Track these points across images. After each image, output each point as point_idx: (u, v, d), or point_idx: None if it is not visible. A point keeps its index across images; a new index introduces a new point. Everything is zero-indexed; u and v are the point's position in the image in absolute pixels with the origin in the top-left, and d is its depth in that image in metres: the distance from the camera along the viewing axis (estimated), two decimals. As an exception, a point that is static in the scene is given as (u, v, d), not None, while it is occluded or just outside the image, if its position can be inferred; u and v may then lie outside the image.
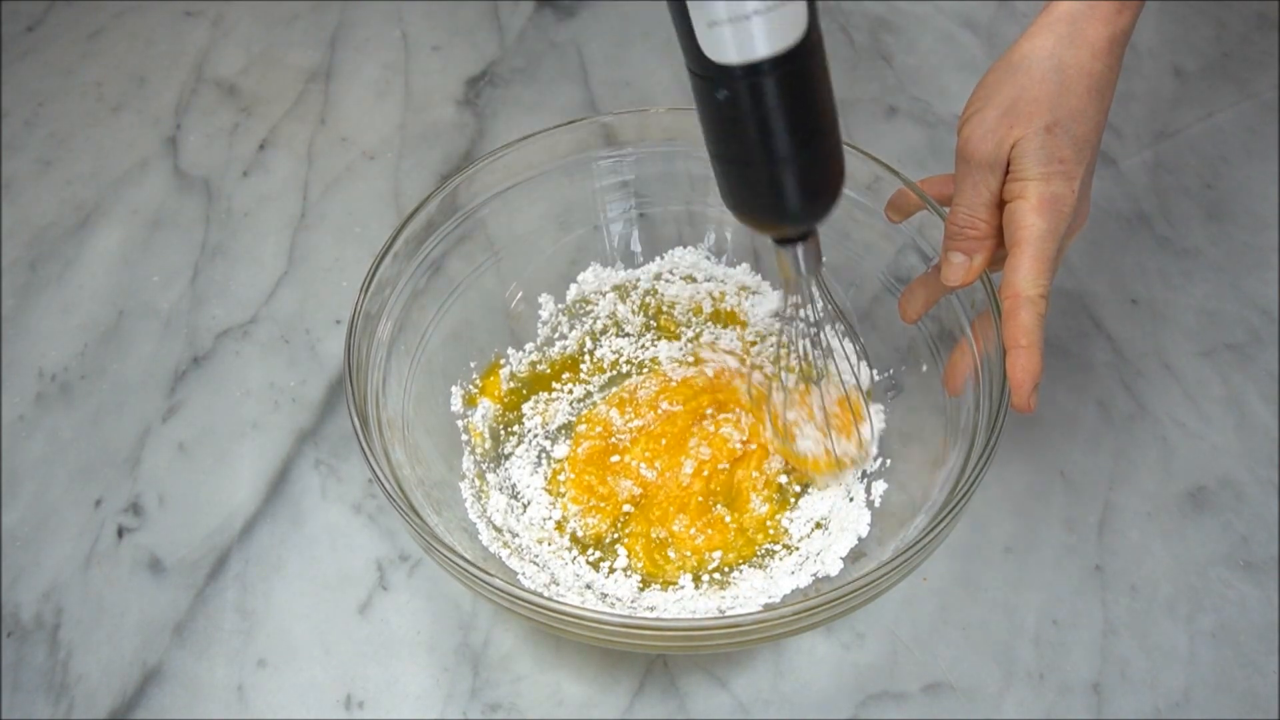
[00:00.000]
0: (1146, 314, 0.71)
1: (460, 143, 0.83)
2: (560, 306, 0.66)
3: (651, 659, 0.56)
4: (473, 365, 0.63)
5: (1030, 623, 0.57)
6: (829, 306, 0.52)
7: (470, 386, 0.63)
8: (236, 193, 0.80)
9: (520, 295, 0.65)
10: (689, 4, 0.37)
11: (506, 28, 0.92)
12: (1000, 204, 0.50)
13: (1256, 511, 0.61)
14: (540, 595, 0.46)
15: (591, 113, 0.84)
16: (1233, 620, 0.57)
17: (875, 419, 0.59)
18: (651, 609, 0.54)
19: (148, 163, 0.82)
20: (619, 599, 0.55)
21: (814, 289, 0.50)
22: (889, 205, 0.58)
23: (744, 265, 0.67)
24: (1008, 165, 0.49)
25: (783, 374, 0.57)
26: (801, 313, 0.51)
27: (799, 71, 0.39)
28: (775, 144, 0.40)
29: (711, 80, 0.39)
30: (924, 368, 0.59)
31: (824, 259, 0.48)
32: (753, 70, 0.38)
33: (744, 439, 0.60)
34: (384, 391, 0.55)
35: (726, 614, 0.53)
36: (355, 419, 0.50)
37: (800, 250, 0.46)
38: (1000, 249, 0.51)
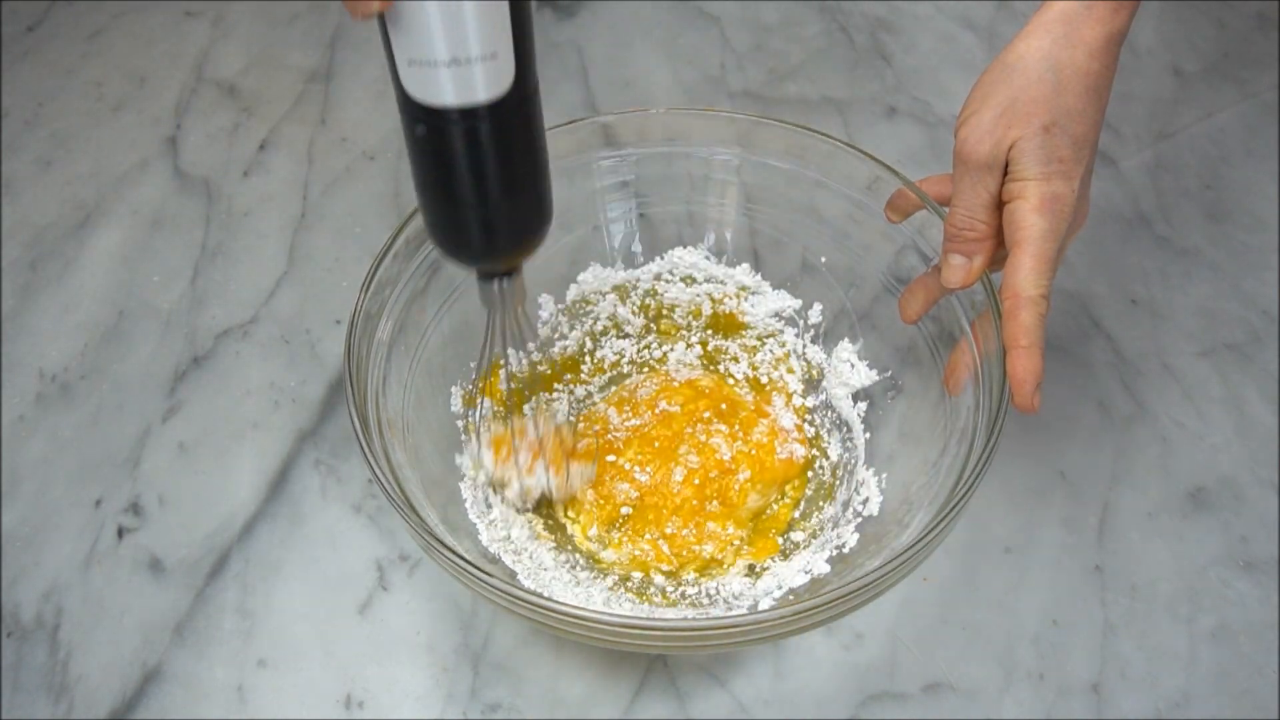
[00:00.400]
0: (1146, 314, 0.71)
1: (460, 143, 0.82)
2: (560, 307, 0.66)
3: (651, 659, 0.56)
4: (473, 365, 0.63)
5: (1030, 623, 0.57)
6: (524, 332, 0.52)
7: (470, 386, 0.63)
8: (236, 193, 0.80)
9: (520, 295, 0.65)
10: (391, 36, 0.37)
11: (506, 28, 0.91)
12: (999, 205, 0.50)
13: (1256, 511, 0.61)
14: (540, 595, 0.46)
15: (591, 113, 0.84)
16: (1233, 620, 0.57)
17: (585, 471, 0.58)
18: (651, 609, 0.54)
19: (148, 163, 0.82)
20: (619, 599, 0.55)
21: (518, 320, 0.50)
22: (889, 205, 0.58)
23: (744, 265, 0.66)
24: (1006, 166, 0.49)
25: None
26: (510, 339, 0.50)
27: (496, 123, 0.40)
28: (456, 186, 0.41)
29: (409, 115, 0.40)
30: (924, 368, 0.59)
31: (527, 295, 0.48)
32: (434, 113, 0.39)
33: (732, 454, 0.59)
34: (384, 391, 0.55)
35: (726, 614, 0.53)
36: (355, 419, 0.50)
37: (499, 284, 0.47)
38: (1000, 249, 0.51)
